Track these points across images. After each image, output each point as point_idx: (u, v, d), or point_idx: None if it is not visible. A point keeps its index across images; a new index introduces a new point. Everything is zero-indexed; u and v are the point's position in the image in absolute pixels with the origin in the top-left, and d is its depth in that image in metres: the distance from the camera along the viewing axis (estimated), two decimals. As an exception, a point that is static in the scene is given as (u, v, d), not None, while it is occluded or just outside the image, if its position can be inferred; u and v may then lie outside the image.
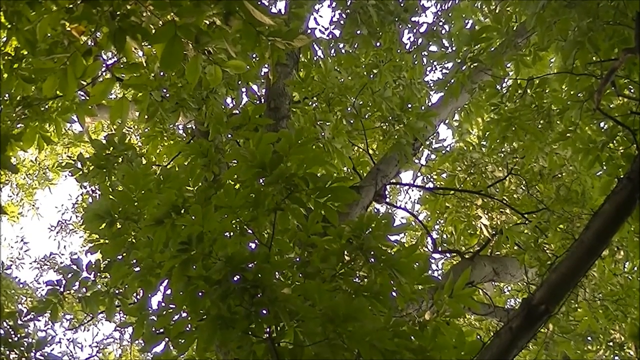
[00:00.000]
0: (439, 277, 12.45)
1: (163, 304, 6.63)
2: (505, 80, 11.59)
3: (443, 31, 13.57)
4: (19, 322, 9.72)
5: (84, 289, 9.11)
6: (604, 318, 12.23)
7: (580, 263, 6.77)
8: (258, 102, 12.03)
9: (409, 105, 12.09)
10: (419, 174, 14.98)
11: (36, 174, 20.49)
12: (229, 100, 11.17)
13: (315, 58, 12.84)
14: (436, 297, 7.07)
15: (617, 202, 6.77)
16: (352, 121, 12.02)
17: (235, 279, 6.04)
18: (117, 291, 9.03)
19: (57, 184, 20.67)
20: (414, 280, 6.84)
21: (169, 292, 6.45)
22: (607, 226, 6.78)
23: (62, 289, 9.19)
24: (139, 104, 9.68)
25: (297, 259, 6.86)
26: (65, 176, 19.95)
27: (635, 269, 12.50)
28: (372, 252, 6.70)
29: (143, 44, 5.67)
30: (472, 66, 10.85)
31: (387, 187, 13.09)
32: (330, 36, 12.90)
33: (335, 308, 5.93)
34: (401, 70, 13.11)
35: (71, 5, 5.75)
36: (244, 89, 11.25)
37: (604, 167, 9.72)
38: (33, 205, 21.24)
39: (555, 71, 11.97)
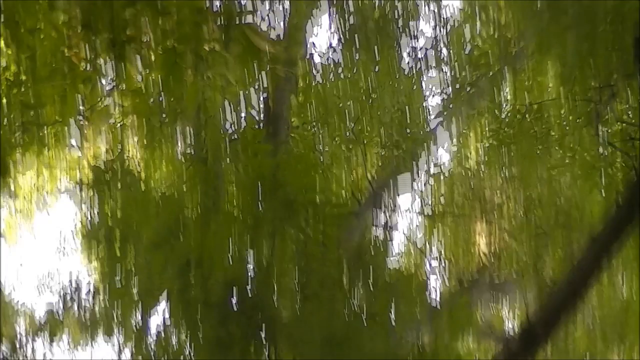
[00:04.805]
0: (437, 302, 12.40)
1: (162, 327, 6.63)
2: (504, 105, 11.59)
3: (442, 56, 13.57)
4: (18, 343, 9.70)
5: (83, 311, 9.09)
6: (601, 342, 12.20)
7: (578, 288, 6.78)
8: (257, 127, 12.00)
9: (408, 131, 12.09)
10: (417, 200, 14.95)
11: (35, 198, 20.41)
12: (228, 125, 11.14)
13: (314, 83, 12.82)
14: (434, 321, 7.07)
15: (616, 227, 6.79)
16: (351, 147, 12.01)
17: (234, 302, 6.05)
18: (115, 313, 9.02)
19: (56, 207, 20.58)
20: (412, 305, 6.85)
21: (167, 315, 6.45)
22: (605, 251, 6.79)
23: (60, 311, 9.17)
24: (138, 130, 9.67)
25: (296, 283, 6.86)
26: (65, 200, 19.88)
27: (634, 293, 12.47)
28: (371, 277, 6.70)
29: (143, 71, 5.69)
30: (470, 91, 10.86)
31: (386, 212, 13.08)
32: (329, 61, 12.88)
33: (333, 332, 5.93)
34: (400, 95, 13.10)
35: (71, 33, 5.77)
36: (243, 114, 11.23)
37: (603, 193, 9.72)
38: (32, 228, 21.15)
39: (554, 96, 11.98)
